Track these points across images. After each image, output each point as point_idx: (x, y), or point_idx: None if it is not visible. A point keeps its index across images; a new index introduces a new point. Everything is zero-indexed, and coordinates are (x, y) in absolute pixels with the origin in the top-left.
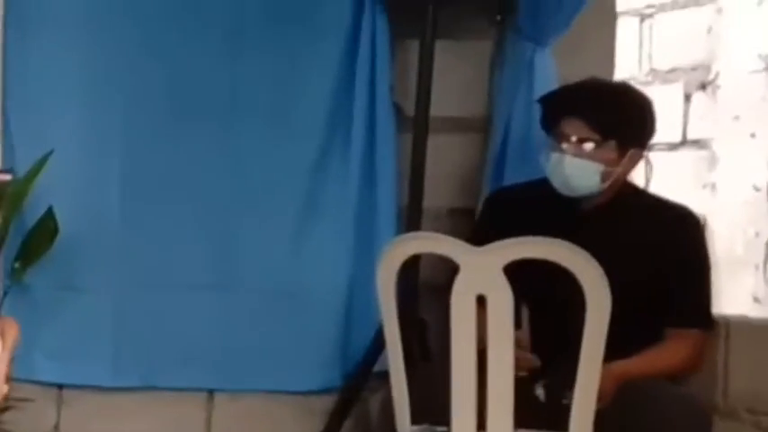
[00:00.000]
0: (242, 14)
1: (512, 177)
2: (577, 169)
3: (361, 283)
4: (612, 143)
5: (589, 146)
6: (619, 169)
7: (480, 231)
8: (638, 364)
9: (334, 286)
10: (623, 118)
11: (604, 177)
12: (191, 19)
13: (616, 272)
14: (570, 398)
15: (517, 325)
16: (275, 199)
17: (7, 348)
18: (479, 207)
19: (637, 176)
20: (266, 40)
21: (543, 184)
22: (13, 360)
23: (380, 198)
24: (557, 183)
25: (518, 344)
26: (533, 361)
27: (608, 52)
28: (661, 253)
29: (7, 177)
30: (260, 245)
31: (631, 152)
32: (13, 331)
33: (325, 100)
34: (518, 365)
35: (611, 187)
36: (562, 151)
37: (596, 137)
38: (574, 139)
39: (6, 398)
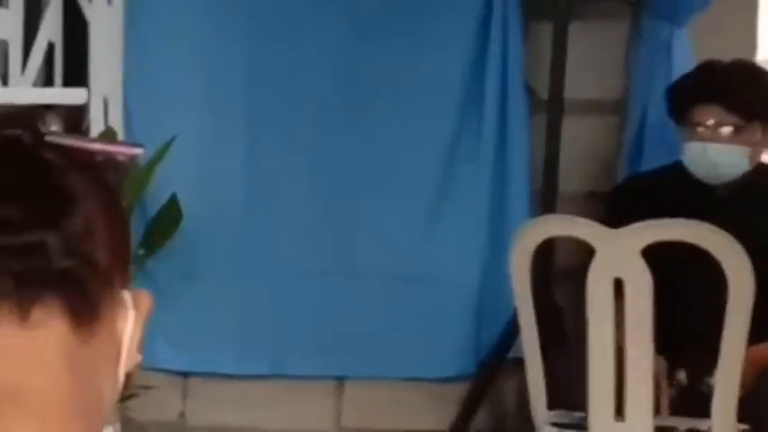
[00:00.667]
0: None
1: (650, 161)
2: (725, 156)
3: (495, 268)
4: (756, 124)
5: (727, 130)
6: (762, 147)
7: (612, 217)
8: None
9: (467, 271)
10: (762, 96)
11: (751, 159)
12: (310, 16)
13: (756, 254)
14: (709, 384)
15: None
16: (407, 183)
17: (140, 320)
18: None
19: None
20: (396, 23)
21: (675, 170)
22: (144, 332)
23: (513, 181)
24: (701, 172)
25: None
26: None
27: (749, 32)
28: None
29: (139, 151)
30: (392, 230)
31: None
32: (146, 302)
33: (458, 82)
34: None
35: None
36: (703, 139)
37: (739, 120)
38: (711, 124)
39: (136, 371)
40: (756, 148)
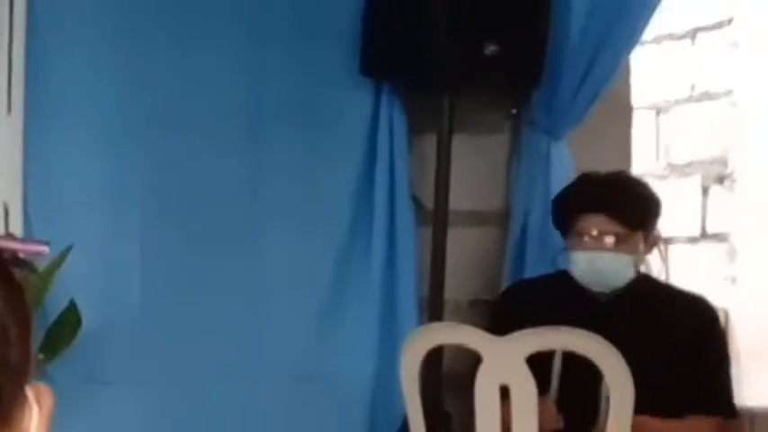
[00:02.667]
0: (262, 110)
1: (532, 269)
2: (612, 264)
3: (386, 374)
4: (639, 233)
5: (611, 239)
6: (643, 256)
7: (498, 325)
8: (667, 426)
9: (359, 375)
10: (645, 207)
11: (635, 267)
12: (210, 114)
13: (637, 361)
14: None
15: (548, 383)
16: (299, 290)
17: (44, 416)
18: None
19: (655, 268)
20: (286, 134)
21: (560, 278)
22: (49, 428)
23: (402, 290)
24: (587, 279)
25: (544, 401)
26: (558, 420)
27: (624, 145)
28: (680, 342)
29: (44, 248)
30: (284, 334)
31: (651, 237)
32: (48, 398)
33: (347, 194)
34: (544, 422)
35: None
36: (587, 248)
37: (622, 230)
38: (595, 233)
39: None
40: (640, 257)
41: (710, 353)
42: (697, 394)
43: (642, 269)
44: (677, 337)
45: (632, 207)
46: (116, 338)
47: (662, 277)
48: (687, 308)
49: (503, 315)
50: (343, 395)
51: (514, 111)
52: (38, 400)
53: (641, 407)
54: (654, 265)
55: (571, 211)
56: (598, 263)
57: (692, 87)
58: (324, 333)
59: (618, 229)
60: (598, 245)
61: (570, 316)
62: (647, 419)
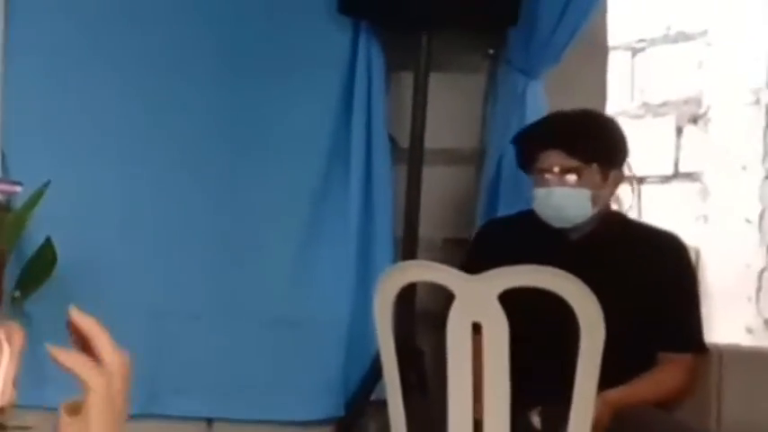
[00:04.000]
0: (239, 49)
1: (505, 208)
2: (568, 199)
3: (361, 313)
4: (595, 166)
5: (572, 177)
6: (605, 192)
7: (472, 262)
8: (632, 390)
9: (335, 315)
10: (600, 140)
11: (594, 202)
12: (189, 51)
13: (607, 299)
14: (565, 429)
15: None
16: (275, 229)
17: (15, 354)
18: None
19: (628, 207)
20: (264, 73)
21: (533, 216)
22: (21, 365)
23: (378, 228)
24: (548, 216)
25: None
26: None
27: (599, 85)
28: (651, 279)
29: (17, 188)
30: (260, 274)
31: (613, 173)
32: (18, 336)
33: (324, 132)
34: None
35: (599, 215)
36: (548, 185)
37: (578, 164)
38: (556, 170)
39: (11, 405)
40: (601, 192)
41: (681, 289)
42: (667, 331)
43: (615, 207)
44: (648, 274)
45: (584, 140)
46: (92, 277)
47: (632, 215)
48: (658, 245)
49: (476, 253)
50: (319, 335)
51: (491, 50)
52: (8, 339)
53: (612, 345)
54: (627, 203)
55: (531, 148)
56: (554, 198)
57: (668, 27)
58: (300, 273)
59: (573, 162)
60: (559, 181)
61: (541, 254)
62: (612, 393)
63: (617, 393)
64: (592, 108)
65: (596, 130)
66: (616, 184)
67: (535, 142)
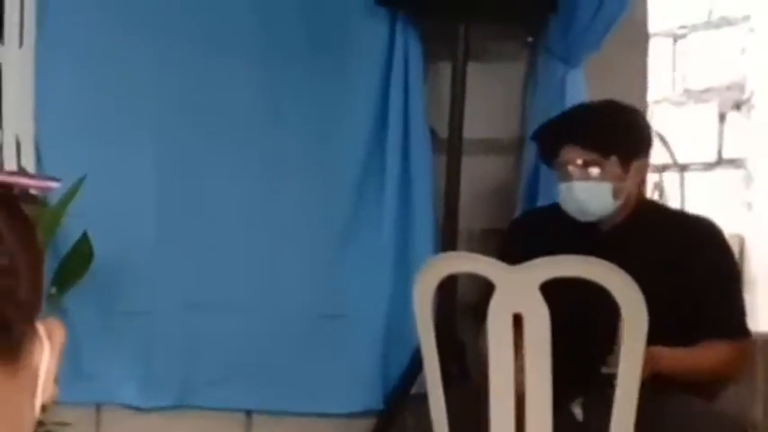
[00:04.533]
0: (279, 38)
1: (545, 197)
2: (588, 192)
3: (401, 304)
4: (614, 159)
5: (595, 170)
6: (628, 183)
7: (506, 253)
8: (681, 355)
9: (374, 307)
10: (617, 132)
11: (616, 194)
12: (228, 44)
13: (644, 288)
14: (608, 421)
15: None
16: (314, 220)
17: (55, 350)
18: None
19: (672, 195)
20: (303, 63)
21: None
22: (61, 362)
23: (417, 219)
24: (571, 210)
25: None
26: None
27: (640, 73)
28: (687, 267)
29: (56, 184)
30: (299, 266)
31: (635, 164)
32: (59, 333)
33: (362, 122)
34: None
35: (626, 205)
36: (569, 179)
37: (597, 157)
38: (579, 162)
39: (52, 402)
40: (623, 184)
41: (718, 275)
42: (708, 318)
43: (655, 196)
44: (683, 261)
45: (600, 134)
46: (130, 270)
47: (675, 203)
48: (692, 231)
49: (510, 244)
50: (358, 328)
51: (530, 38)
52: (49, 336)
53: (654, 334)
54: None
55: (552, 143)
56: (574, 192)
57: (710, 13)
58: (339, 265)
59: (592, 156)
60: (582, 174)
61: (573, 245)
62: (660, 349)
63: (664, 351)
64: (615, 99)
65: (613, 122)
66: (640, 174)
67: (553, 137)
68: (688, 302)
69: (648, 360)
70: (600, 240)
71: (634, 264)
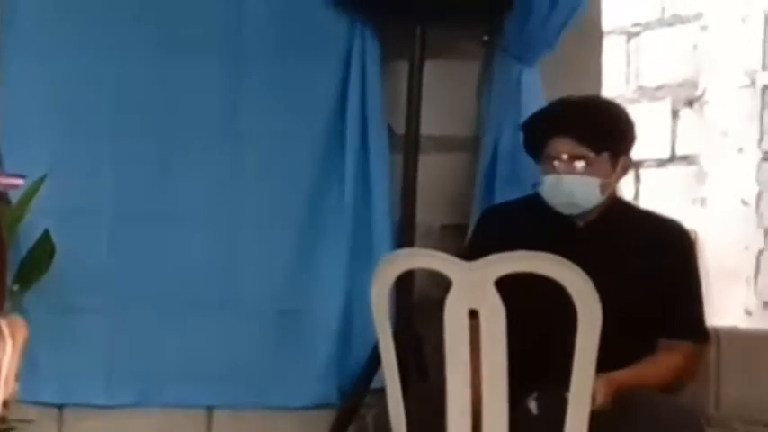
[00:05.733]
0: (239, 39)
1: (502, 194)
2: (578, 186)
3: (359, 300)
4: (605, 155)
5: (581, 163)
6: (613, 179)
7: (474, 247)
8: (633, 373)
9: (332, 303)
10: (612, 129)
11: (603, 190)
12: (189, 44)
13: (611, 286)
14: (563, 415)
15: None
16: (272, 218)
17: (17, 347)
18: (471, 223)
19: (626, 191)
20: (262, 63)
21: (535, 202)
22: (23, 359)
23: (375, 216)
24: (557, 203)
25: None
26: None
27: (595, 70)
28: (654, 266)
29: (20, 182)
30: (257, 263)
31: (621, 161)
32: (22, 330)
33: (321, 121)
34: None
35: (604, 201)
36: (557, 172)
37: (589, 152)
38: (565, 157)
39: (13, 399)
40: (610, 180)
41: (683, 277)
42: (669, 318)
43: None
44: (651, 261)
45: (596, 129)
46: (89, 269)
47: (629, 199)
48: (661, 232)
49: (478, 240)
50: (316, 323)
51: (486, 37)
52: (12, 332)
53: (614, 332)
54: (625, 189)
55: (540, 135)
56: (564, 185)
57: (663, 10)
58: (297, 262)
59: (584, 151)
60: (568, 168)
61: (545, 240)
62: (615, 375)
63: (619, 375)
64: (597, 95)
65: (607, 119)
66: (624, 171)
67: (544, 129)
68: (650, 302)
69: (604, 387)
70: (572, 236)
71: (603, 260)
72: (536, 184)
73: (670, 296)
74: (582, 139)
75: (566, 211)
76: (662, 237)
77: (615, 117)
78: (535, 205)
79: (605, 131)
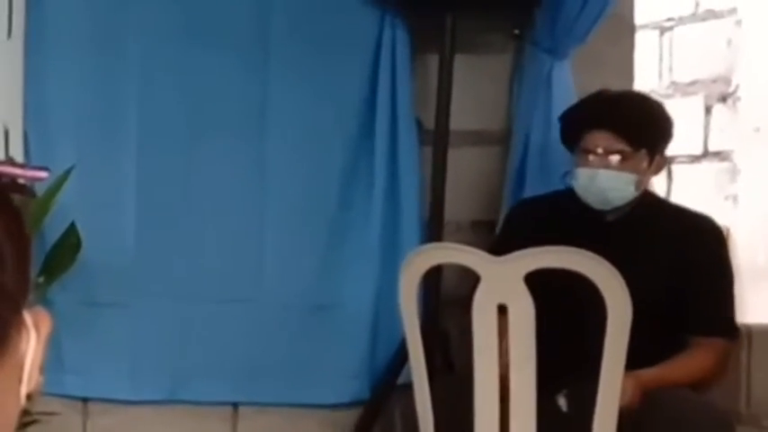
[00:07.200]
0: (267, 31)
1: (532, 189)
2: (613, 181)
3: (387, 296)
4: (643, 152)
5: (615, 158)
6: (648, 177)
7: (503, 242)
8: (663, 371)
9: (361, 299)
10: (653, 126)
11: (638, 186)
12: (217, 38)
13: (641, 281)
14: (592, 411)
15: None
16: (301, 213)
17: (42, 340)
18: (501, 219)
19: (658, 187)
20: (292, 56)
21: (566, 196)
22: (47, 352)
23: (404, 211)
24: (591, 197)
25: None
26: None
27: (627, 65)
28: (684, 262)
29: (44, 174)
30: (286, 258)
31: (657, 158)
32: (46, 323)
33: (350, 115)
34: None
35: (637, 197)
36: (592, 165)
37: (627, 147)
38: (600, 151)
39: (37, 392)
40: (645, 177)
41: (714, 273)
42: (699, 314)
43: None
44: (681, 257)
45: (637, 125)
46: (115, 261)
47: (661, 194)
48: (693, 227)
49: (508, 234)
50: (345, 319)
51: (517, 31)
52: (36, 325)
53: (643, 328)
54: (657, 185)
55: (577, 127)
56: (599, 180)
57: (697, 5)
58: (326, 257)
59: (622, 146)
60: (602, 162)
61: (576, 234)
62: (643, 374)
63: (648, 374)
64: (635, 90)
65: (649, 115)
66: (659, 169)
67: (583, 121)
68: (681, 298)
69: (631, 386)
70: (603, 231)
71: (634, 256)
72: (567, 173)
73: (700, 292)
74: (622, 133)
75: (597, 206)
76: (693, 232)
77: (656, 113)
78: (565, 199)
79: (645, 127)
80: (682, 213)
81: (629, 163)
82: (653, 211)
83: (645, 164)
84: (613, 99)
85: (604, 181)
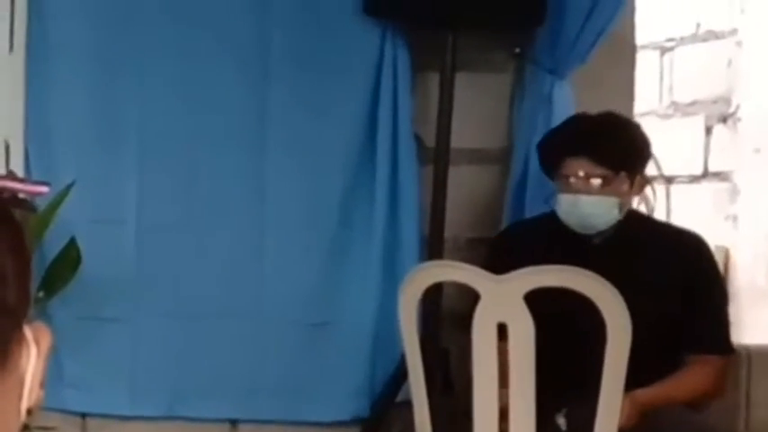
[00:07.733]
0: (269, 48)
1: (532, 208)
2: (596, 207)
3: (388, 313)
4: (623, 174)
5: (597, 182)
6: (630, 198)
7: (493, 264)
8: (660, 391)
9: (361, 316)
10: (630, 149)
11: (621, 209)
12: (217, 52)
13: (631, 301)
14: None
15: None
16: (301, 230)
17: (42, 355)
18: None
19: (658, 207)
20: (292, 74)
21: (552, 219)
22: (47, 367)
23: (404, 228)
24: (573, 223)
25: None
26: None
27: (627, 85)
28: (675, 280)
29: (45, 189)
30: (286, 275)
31: (638, 179)
32: (46, 338)
33: (351, 132)
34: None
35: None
36: (574, 191)
37: (607, 172)
38: (581, 175)
39: (38, 406)
40: (625, 199)
41: (705, 290)
42: (693, 332)
43: (640, 208)
44: (671, 275)
45: (614, 149)
46: (115, 277)
47: (661, 215)
48: (680, 245)
49: (497, 255)
50: (345, 337)
51: (518, 50)
52: (36, 340)
53: (638, 348)
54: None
55: (556, 154)
56: (581, 205)
57: (697, 26)
58: (326, 274)
59: (601, 171)
60: (584, 187)
61: (563, 257)
62: (641, 394)
63: (645, 393)
64: (615, 110)
65: (624, 137)
66: (641, 189)
67: (560, 148)
68: (674, 316)
69: (628, 407)
70: (590, 253)
71: (623, 276)
72: (548, 199)
73: (692, 309)
74: (600, 159)
75: (581, 230)
76: (680, 249)
77: (631, 135)
78: (551, 223)
79: (624, 150)
80: (667, 231)
81: (611, 187)
82: (638, 230)
83: (626, 186)
84: (589, 123)
85: (587, 207)
